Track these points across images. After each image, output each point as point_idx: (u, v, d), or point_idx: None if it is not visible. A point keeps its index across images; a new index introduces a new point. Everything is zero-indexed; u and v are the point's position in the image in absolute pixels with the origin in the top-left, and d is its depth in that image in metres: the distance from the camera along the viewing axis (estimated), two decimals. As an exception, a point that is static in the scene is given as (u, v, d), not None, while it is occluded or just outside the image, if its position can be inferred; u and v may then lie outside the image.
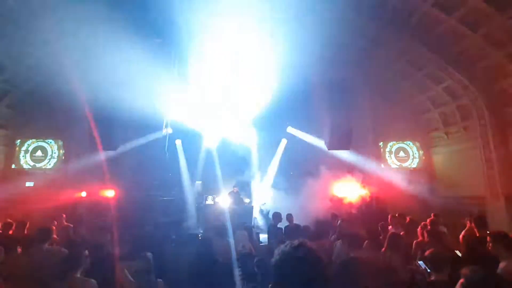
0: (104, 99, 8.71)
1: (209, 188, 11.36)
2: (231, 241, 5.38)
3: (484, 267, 2.19)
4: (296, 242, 1.35)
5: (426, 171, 12.26)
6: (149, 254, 3.79)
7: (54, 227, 5.65)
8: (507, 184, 8.95)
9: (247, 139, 12.37)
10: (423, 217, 6.10)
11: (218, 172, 11.33)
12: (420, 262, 3.85)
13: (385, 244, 4.03)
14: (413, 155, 12.60)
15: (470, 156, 10.20)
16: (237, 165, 12.19)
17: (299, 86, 10.61)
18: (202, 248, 4.71)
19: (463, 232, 4.94)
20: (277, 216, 7.33)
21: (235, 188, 10.73)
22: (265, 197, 11.52)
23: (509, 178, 8.98)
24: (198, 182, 11.75)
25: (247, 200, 10.90)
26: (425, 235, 4.54)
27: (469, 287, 1.88)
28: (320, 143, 11.35)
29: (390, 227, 5.60)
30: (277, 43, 8.97)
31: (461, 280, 1.95)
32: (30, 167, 11.10)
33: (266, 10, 8.26)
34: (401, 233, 5.00)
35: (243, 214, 9.46)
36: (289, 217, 7.12)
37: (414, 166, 12.47)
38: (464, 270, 2.02)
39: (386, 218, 6.50)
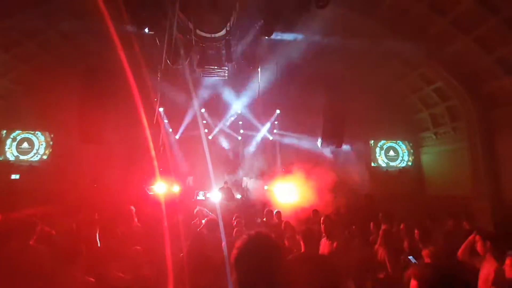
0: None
1: (200, 183, 11.32)
2: (223, 236, 5.34)
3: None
4: (253, 232, 1.38)
5: (415, 170, 12.49)
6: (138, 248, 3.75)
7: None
8: (493, 185, 9.19)
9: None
10: (411, 216, 6.20)
11: (210, 167, 11.27)
12: (411, 257, 3.92)
13: (378, 241, 4.09)
14: (402, 154, 12.81)
15: (458, 156, 10.43)
16: (229, 162, 12.19)
17: (291, 85, 10.70)
18: (193, 243, 4.67)
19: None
20: (269, 213, 7.34)
21: (226, 183, 10.75)
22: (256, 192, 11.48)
23: (494, 179, 9.22)
24: (190, 177, 11.68)
25: (238, 196, 10.91)
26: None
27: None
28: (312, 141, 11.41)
29: (384, 226, 5.67)
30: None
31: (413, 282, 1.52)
32: (16, 159, 10.81)
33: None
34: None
35: (234, 210, 9.44)
36: (277, 214, 7.14)
37: (404, 165, 12.69)
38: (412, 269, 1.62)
39: (376, 217, 6.56)
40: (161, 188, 9.58)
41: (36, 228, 3.68)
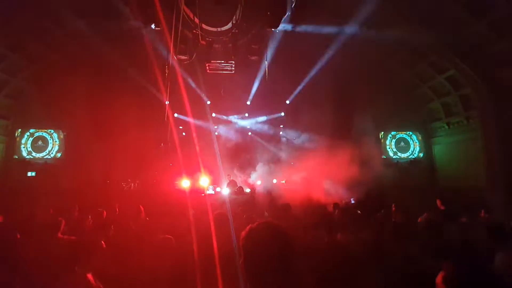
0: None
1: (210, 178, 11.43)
2: (233, 230, 5.38)
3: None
4: (262, 221, 1.39)
5: (427, 161, 12.27)
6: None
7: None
8: (507, 176, 8.94)
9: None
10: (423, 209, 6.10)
11: (219, 162, 11.36)
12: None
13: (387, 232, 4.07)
14: (413, 145, 12.58)
15: (471, 147, 10.18)
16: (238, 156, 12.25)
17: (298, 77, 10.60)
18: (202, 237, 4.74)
19: None
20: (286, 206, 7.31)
21: (228, 176, 10.88)
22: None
23: (509, 170, 8.96)
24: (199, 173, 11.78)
25: (247, 190, 10.97)
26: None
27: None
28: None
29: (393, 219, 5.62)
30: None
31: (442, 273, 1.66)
32: (31, 157, 11.12)
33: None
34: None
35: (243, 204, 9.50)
36: (286, 206, 7.11)
37: (415, 156, 12.47)
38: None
39: (385, 209, 6.49)
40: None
41: (60, 225, 3.91)
